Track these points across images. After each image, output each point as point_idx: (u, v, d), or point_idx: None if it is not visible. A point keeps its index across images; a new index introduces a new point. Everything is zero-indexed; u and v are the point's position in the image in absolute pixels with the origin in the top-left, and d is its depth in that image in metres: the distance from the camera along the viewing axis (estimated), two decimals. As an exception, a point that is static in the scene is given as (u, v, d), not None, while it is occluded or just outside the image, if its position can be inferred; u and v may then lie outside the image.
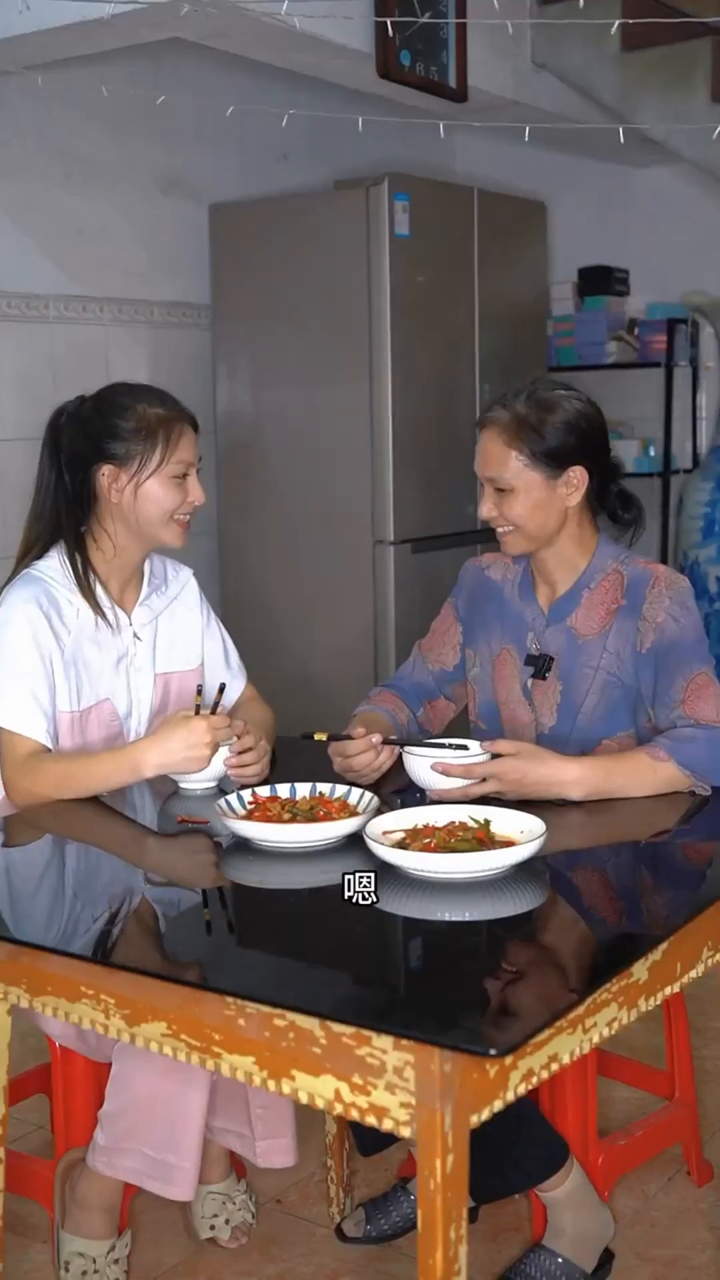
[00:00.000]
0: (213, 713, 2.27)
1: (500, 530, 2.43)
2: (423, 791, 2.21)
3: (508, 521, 2.39)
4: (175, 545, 2.45)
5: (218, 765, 2.31)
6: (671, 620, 2.34)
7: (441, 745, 2.23)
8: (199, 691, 2.35)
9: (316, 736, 2.33)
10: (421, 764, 2.19)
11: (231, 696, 2.64)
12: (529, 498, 2.36)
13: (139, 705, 2.48)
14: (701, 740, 2.23)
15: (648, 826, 2.16)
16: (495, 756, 2.17)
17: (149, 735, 2.32)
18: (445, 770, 2.17)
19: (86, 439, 2.40)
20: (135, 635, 2.48)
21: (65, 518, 2.43)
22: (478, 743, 2.24)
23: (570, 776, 2.17)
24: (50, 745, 2.34)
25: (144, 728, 2.48)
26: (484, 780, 2.16)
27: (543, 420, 2.35)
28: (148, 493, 2.39)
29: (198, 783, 2.33)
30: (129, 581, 2.49)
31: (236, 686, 2.65)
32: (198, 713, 2.27)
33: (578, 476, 2.38)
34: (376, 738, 2.31)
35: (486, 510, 2.41)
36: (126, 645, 2.47)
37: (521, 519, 2.38)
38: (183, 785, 2.34)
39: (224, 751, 2.31)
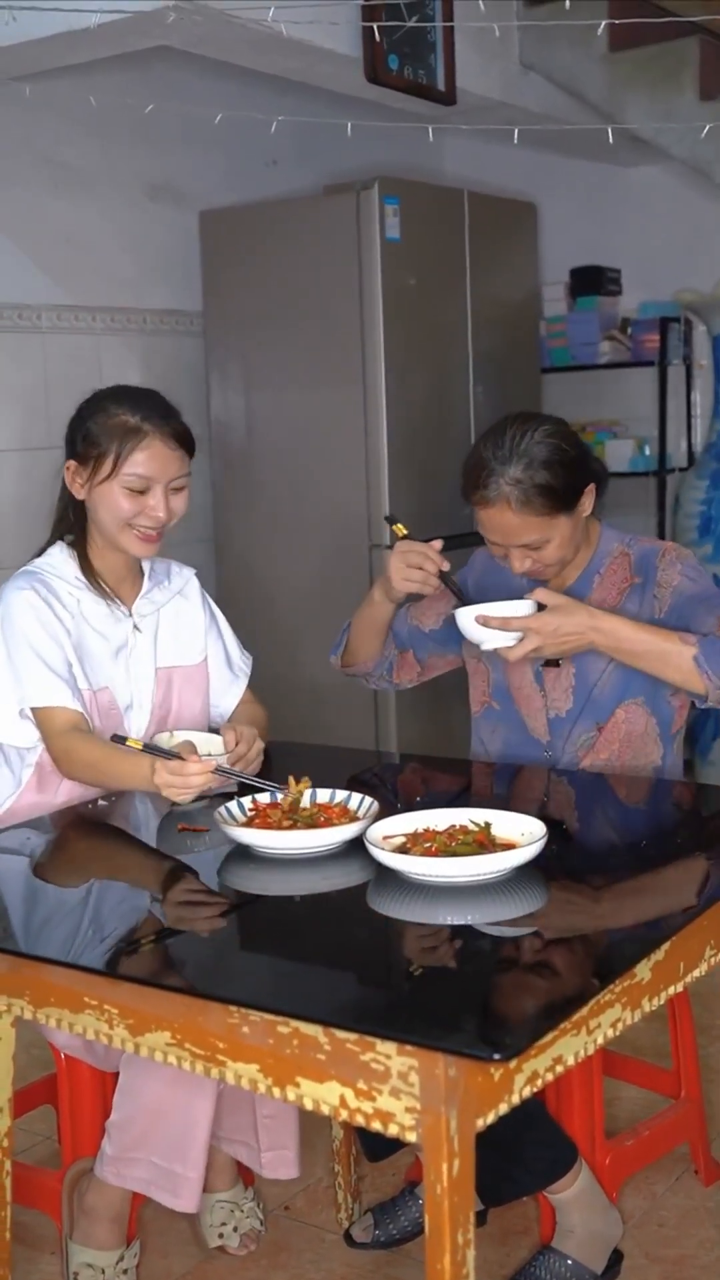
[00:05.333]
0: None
1: (541, 576, 2.46)
2: (422, 797, 2.22)
3: (546, 567, 2.42)
4: (137, 554, 2.45)
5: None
6: (687, 580, 2.42)
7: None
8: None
9: (397, 529, 2.50)
10: (466, 616, 2.34)
11: (230, 704, 2.64)
12: (560, 539, 2.40)
13: (139, 697, 2.48)
14: None
15: (649, 827, 2.16)
16: (541, 608, 2.31)
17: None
18: (484, 621, 2.31)
19: (68, 432, 2.44)
20: (135, 627, 2.49)
21: (67, 509, 2.48)
22: (528, 602, 2.35)
23: (601, 625, 2.29)
24: (84, 710, 2.36)
25: (146, 721, 2.48)
26: (524, 640, 2.29)
27: (544, 474, 2.35)
28: (100, 497, 2.40)
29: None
30: (125, 577, 2.51)
31: (235, 691, 2.65)
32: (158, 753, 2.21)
33: (589, 492, 2.42)
34: (445, 564, 2.45)
35: (520, 568, 2.43)
36: (126, 636, 2.48)
37: (558, 558, 2.42)
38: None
39: (219, 762, 2.30)
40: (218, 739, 2.36)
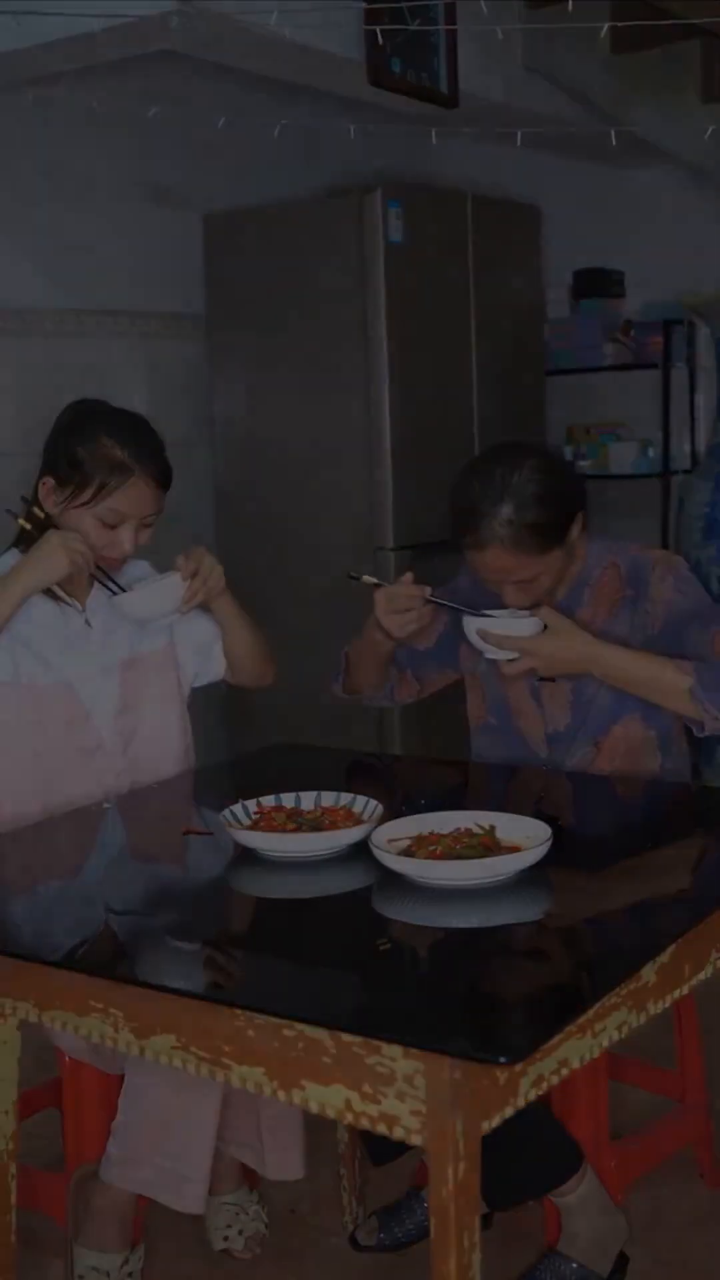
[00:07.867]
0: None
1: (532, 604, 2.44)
2: (426, 800, 2.22)
3: (539, 600, 2.41)
4: None
5: (172, 598, 2.39)
6: (679, 594, 2.41)
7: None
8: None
9: (365, 581, 2.49)
10: (471, 627, 2.36)
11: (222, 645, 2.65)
12: (552, 569, 2.39)
13: (100, 689, 2.47)
14: None
15: (654, 830, 2.16)
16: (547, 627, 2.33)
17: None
18: (484, 635, 2.32)
19: (49, 444, 2.43)
20: (86, 622, 2.48)
21: (32, 512, 2.47)
22: (534, 620, 2.34)
23: (597, 655, 2.32)
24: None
25: (111, 709, 2.48)
26: (521, 659, 2.32)
27: (536, 513, 2.32)
28: (71, 520, 2.39)
29: (158, 615, 2.43)
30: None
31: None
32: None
33: (578, 521, 2.41)
34: (426, 591, 2.44)
35: (514, 602, 2.41)
36: (76, 630, 2.47)
37: (548, 587, 2.41)
38: (144, 617, 2.43)
39: (175, 578, 2.39)
40: (175, 574, 2.43)
